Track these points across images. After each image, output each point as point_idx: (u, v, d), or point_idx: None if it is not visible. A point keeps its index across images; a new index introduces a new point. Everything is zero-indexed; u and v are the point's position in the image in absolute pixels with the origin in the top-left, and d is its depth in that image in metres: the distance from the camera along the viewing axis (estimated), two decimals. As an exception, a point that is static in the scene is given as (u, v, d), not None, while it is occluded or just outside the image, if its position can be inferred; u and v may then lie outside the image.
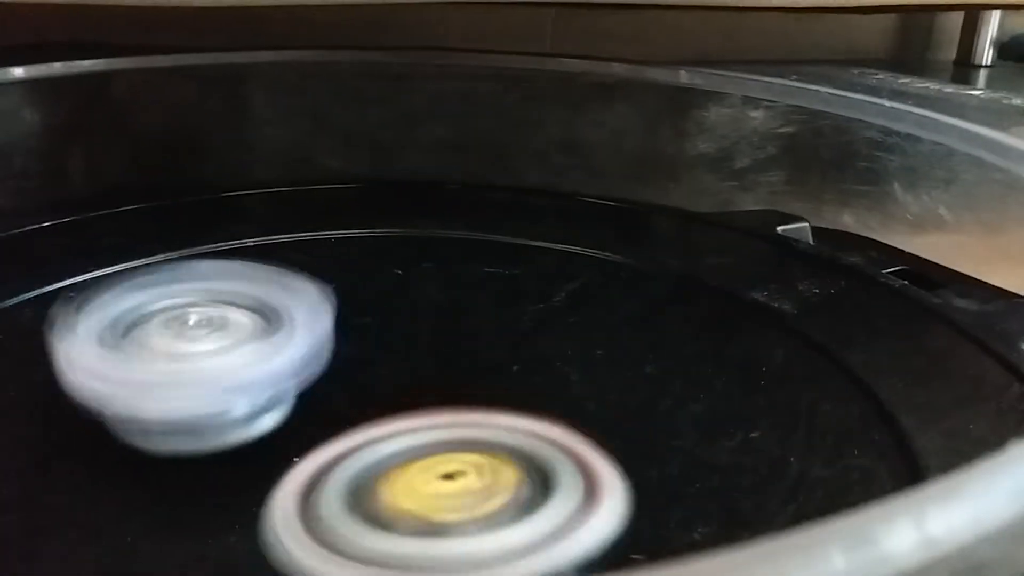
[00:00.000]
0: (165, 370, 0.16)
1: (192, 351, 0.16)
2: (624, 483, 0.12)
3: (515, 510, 0.11)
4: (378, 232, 0.28)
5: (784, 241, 0.29)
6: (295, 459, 0.14)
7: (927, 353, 0.22)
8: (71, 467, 0.17)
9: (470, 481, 0.12)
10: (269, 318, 0.17)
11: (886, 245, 0.29)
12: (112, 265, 0.24)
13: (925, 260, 0.27)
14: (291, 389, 0.16)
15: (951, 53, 0.55)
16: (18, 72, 0.31)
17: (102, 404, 0.15)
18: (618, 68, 0.34)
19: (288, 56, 0.35)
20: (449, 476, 0.12)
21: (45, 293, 0.23)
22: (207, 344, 0.16)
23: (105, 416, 0.16)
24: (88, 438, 0.16)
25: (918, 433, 0.18)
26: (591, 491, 0.12)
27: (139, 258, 0.25)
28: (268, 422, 0.16)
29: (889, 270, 0.26)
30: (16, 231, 0.26)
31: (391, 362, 0.21)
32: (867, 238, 0.30)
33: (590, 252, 0.27)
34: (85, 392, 0.15)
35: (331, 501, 0.11)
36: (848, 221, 0.33)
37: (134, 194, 0.29)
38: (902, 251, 0.28)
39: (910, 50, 0.55)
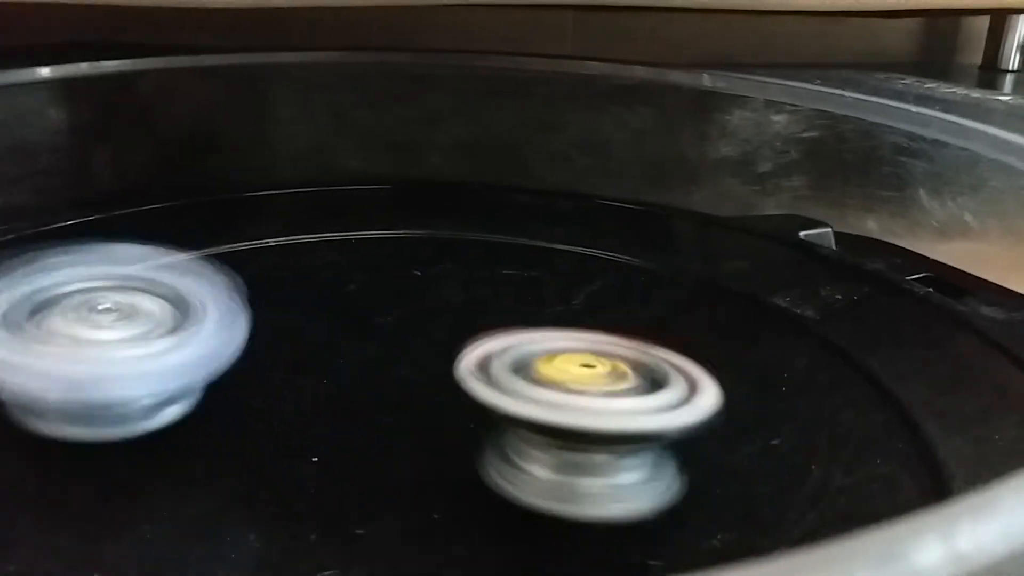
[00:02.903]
0: (67, 354, 0.15)
1: (97, 338, 0.16)
2: (718, 389, 0.15)
3: (636, 392, 0.15)
4: (398, 233, 0.28)
5: (807, 246, 0.29)
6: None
7: (952, 361, 0.22)
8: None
9: (603, 370, 0.15)
10: (181, 309, 0.17)
11: (911, 251, 0.28)
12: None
13: (950, 267, 0.27)
14: (197, 383, 0.16)
15: (977, 57, 0.54)
16: (44, 72, 0.31)
17: (4, 390, 0.15)
18: (640, 71, 0.34)
19: (310, 57, 0.35)
20: (588, 366, 0.15)
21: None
22: (114, 332, 0.16)
23: (1, 396, 0.15)
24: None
25: (942, 442, 0.18)
26: (693, 390, 0.15)
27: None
28: (170, 415, 0.16)
29: (913, 277, 0.26)
30: (40, 229, 0.27)
31: (407, 363, 0.21)
32: (891, 244, 0.30)
33: (610, 255, 0.27)
34: None
35: (502, 368, 0.15)
36: (872, 227, 0.33)
37: (157, 193, 0.29)
38: (927, 258, 0.28)
39: (935, 54, 0.55)
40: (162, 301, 0.17)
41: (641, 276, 0.27)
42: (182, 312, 0.17)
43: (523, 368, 0.15)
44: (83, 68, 0.32)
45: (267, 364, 0.19)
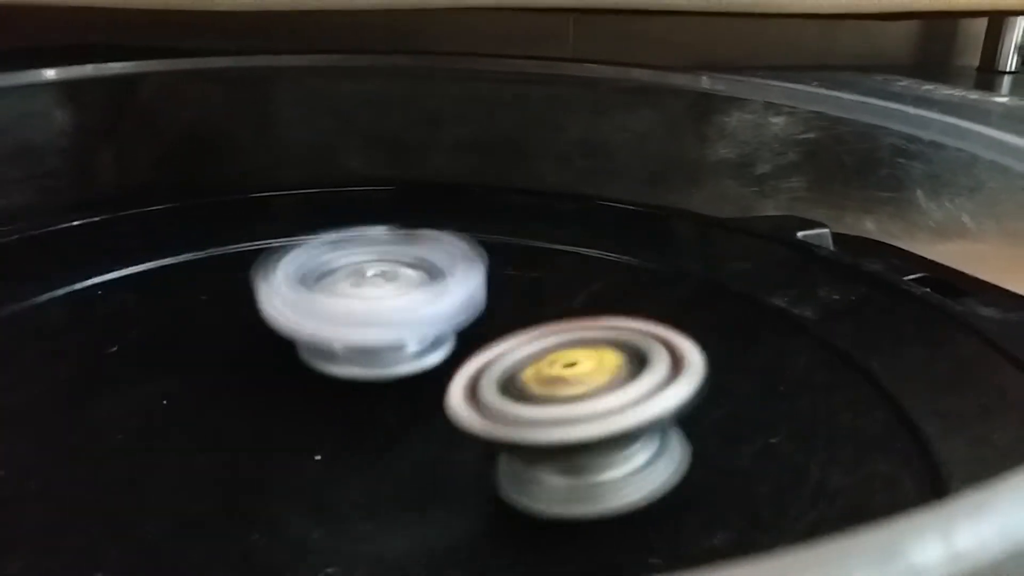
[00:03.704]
0: (350, 306, 0.18)
1: (371, 295, 0.19)
2: (702, 356, 0.15)
3: (621, 382, 0.15)
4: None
5: (805, 247, 0.29)
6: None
7: (950, 361, 0.22)
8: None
9: (586, 365, 0.15)
10: (431, 272, 0.20)
11: (908, 252, 0.28)
12: (140, 264, 0.25)
13: (948, 268, 0.27)
14: (452, 329, 0.19)
15: (975, 59, 0.54)
16: (50, 74, 0.31)
17: (295, 332, 0.18)
18: (640, 73, 0.34)
19: (313, 60, 0.35)
20: (570, 364, 0.15)
21: (74, 291, 0.23)
22: (383, 290, 0.19)
23: (296, 342, 0.18)
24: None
25: (941, 441, 0.18)
26: (676, 362, 0.15)
27: (166, 257, 0.25)
28: (434, 359, 0.19)
29: (911, 277, 0.26)
30: (46, 229, 0.27)
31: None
32: (889, 245, 0.30)
33: (610, 256, 0.27)
34: (281, 321, 0.18)
35: (490, 388, 0.15)
36: (870, 228, 0.33)
37: (162, 194, 0.29)
38: (925, 258, 0.28)
39: (933, 56, 0.55)
40: (415, 268, 0.20)
41: (641, 276, 0.27)
42: (432, 275, 0.20)
43: (511, 384, 0.15)
44: (88, 70, 0.32)
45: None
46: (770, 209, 0.35)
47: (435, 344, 0.19)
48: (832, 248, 0.29)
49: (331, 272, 0.20)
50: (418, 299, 0.19)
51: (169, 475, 0.17)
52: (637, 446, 0.15)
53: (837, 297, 0.24)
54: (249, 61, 0.34)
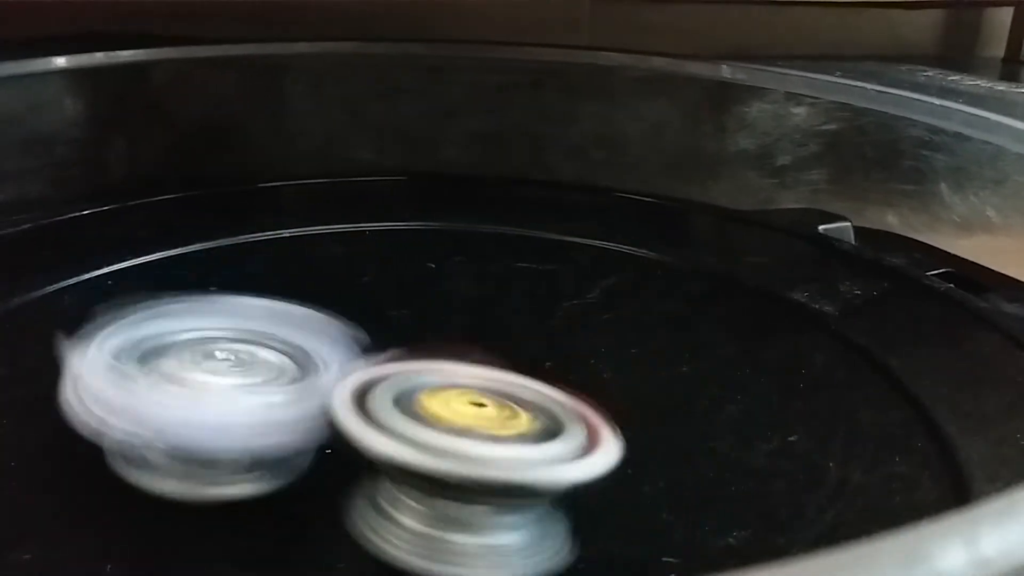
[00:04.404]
0: (179, 401, 0.14)
1: (215, 383, 0.15)
2: (619, 443, 0.14)
3: (526, 440, 0.13)
4: (412, 225, 0.28)
5: (825, 241, 0.28)
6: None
7: (973, 358, 0.22)
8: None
9: (492, 411, 0.14)
10: (299, 361, 0.16)
11: (931, 247, 0.28)
12: (150, 253, 0.25)
13: (972, 263, 0.26)
14: (316, 442, 0.14)
15: (1000, 49, 0.53)
16: (60, 61, 0.31)
17: (103, 430, 0.14)
18: (658, 62, 0.34)
19: (325, 48, 0.35)
20: (477, 404, 0.14)
21: (85, 280, 0.23)
22: (231, 379, 0.15)
23: (105, 444, 0.14)
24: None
25: (963, 441, 0.18)
26: (592, 442, 0.14)
27: (177, 247, 0.25)
28: (279, 480, 0.15)
29: (934, 272, 0.26)
30: (57, 219, 0.27)
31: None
32: (912, 239, 0.30)
33: (626, 249, 0.27)
34: (86, 416, 0.14)
35: (382, 400, 0.14)
36: (892, 221, 0.33)
37: (172, 184, 0.30)
38: (948, 253, 0.27)
39: (957, 46, 0.54)
40: (278, 353, 0.16)
41: (658, 270, 0.26)
42: (300, 365, 0.15)
43: (405, 401, 0.14)
44: (99, 58, 0.32)
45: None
46: (790, 202, 0.34)
47: (285, 459, 0.15)
48: (853, 242, 0.29)
49: (169, 347, 0.15)
50: (270, 399, 0.14)
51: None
52: (516, 518, 0.13)
53: (858, 292, 0.24)
54: (261, 49, 0.34)
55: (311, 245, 0.27)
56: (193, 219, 0.28)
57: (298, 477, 0.15)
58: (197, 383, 0.15)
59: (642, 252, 0.27)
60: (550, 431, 0.14)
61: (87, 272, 0.23)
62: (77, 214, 0.27)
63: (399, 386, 0.14)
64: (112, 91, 0.33)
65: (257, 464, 0.15)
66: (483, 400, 0.14)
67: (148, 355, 0.15)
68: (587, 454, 0.13)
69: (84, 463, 0.15)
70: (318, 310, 0.16)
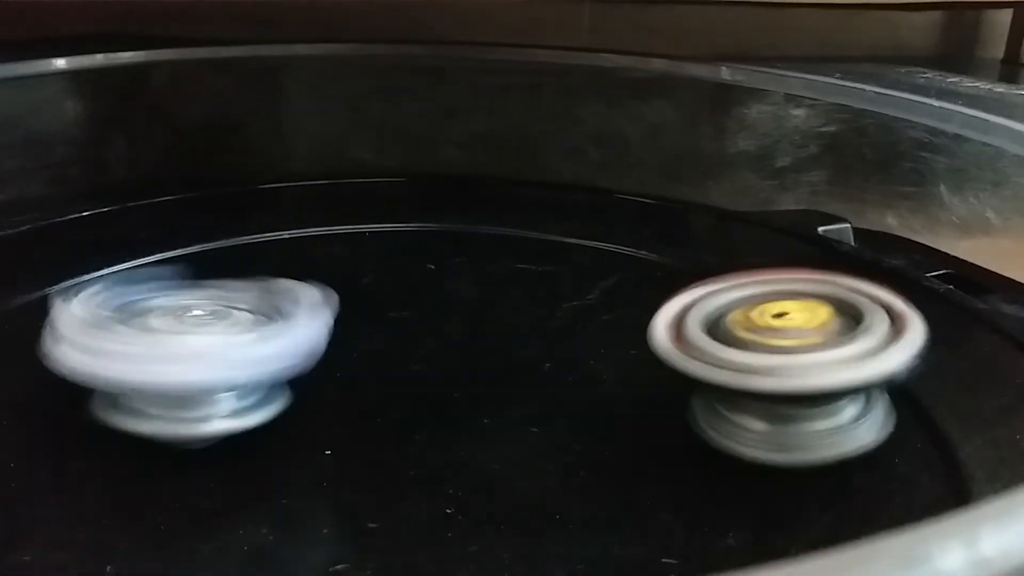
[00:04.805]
0: (159, 343, 0.15)
1: (191, 331, 0.16)
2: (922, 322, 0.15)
3: (837, 336, 0.15)
4: (412, 226, 0.28)
5: (825, 242, 0.28)
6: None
7: (972, 359, 0.22)
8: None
9: (798, 319, 0.15)
10: (269, 315, 0.17)
11: (931, 248, 0.28)
12: (150, 254, 0.25)
13: (971, 264, 0.26)
14: (283, 378, 0.16)
15: (999, 51, 0.54)
16: (60, 63, 0.31)
17: (89, 376, 0.15)
18: (657, 64, 0.34)
19: (325, 49, 0.35)
20: (781, 314, 0.16)
21: (85, 281, 0.23)
22: (207, 329, 0.16)
23: (91, 390, 0.15)
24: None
25: (962, 442, 0.18)
26: (896, 324, 0.15)
27: (176, 248, 0.25)
28: (258, 417, 0.16)
29: (934, 274, 0.25)
30: (57, 219, 0.27)
31: (421, 358, 0.21)
32: (911, 240, 0.30)
33: (626, 250, 0.27)
34: (71, 363, 0.15)
35: (695, 327, 0.16)
36: (892, 223, 0.33)
37: (172, 185, 0.30)
38: (947, 254, 0.27)
39: (957, 48, 0.54)
40: (251, 312, 0.17)
41: (657, 271, 0.26)
42: (270, 318, 0.17)
43: (717, 326, 0.16)
44: (98, 59, 0.32)
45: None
46: (790, 203, 0.35)
47: (260, 396, 0.16)
48: (853, 243, 0.29)
49: (149, 309, 0.17)
50: (241, 339, 0.15)
51: (179, 469, 0.17)
52: (844, 402, 0.15)
53: (857, 293, 0.24)
54: (260, 51, 0.34)
55: (311, 246, 0.27)
56: (193, 220, 0.28)
57: (272, 416, 0.16)
58: (175, 331, 0.15)
59: (642, 253, 0.27)
60: (852, 319, 0.15)
61: (87, 273, 0.23)
62: (77, 215, 0.27)
63: (707, 312, 0.16)
64: (112, 92, 0.33)
65: (235, 402, 0.15)
66: (786, 308, 0.16)
67: (128, 313, 0.16)
68: (897, 338, 0.15)
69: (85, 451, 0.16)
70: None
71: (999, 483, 0.16)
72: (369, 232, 0.28)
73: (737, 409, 0.15)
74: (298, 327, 0.16)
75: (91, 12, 0.36)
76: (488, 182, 0.33)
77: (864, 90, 0.30)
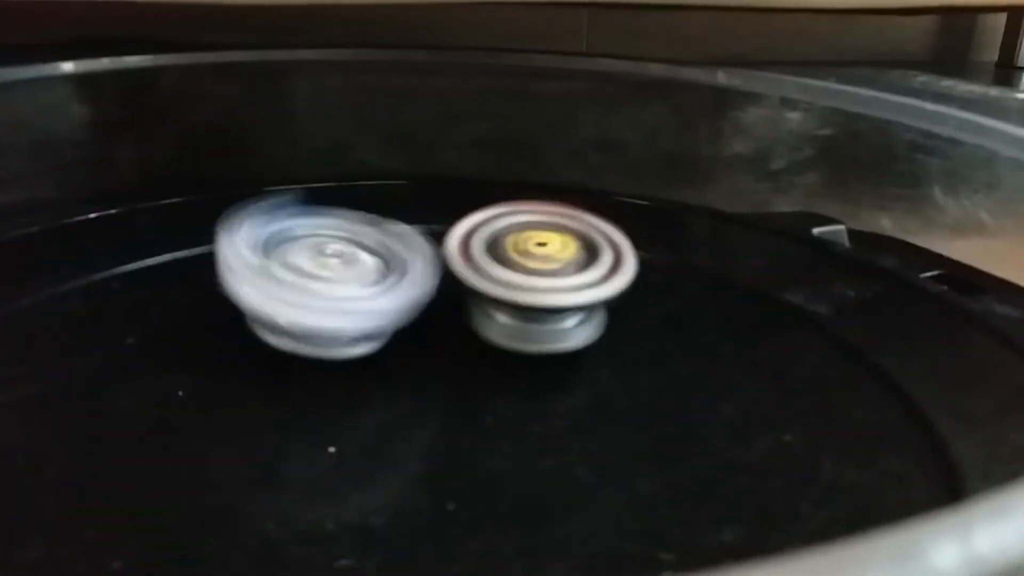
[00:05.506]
0: (303, 286, 0.19)
1: (325, 275, 0.19)
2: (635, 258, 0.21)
3: (574, 268, 0.20)
4: (414, 228, 0.28)
5: (820, 243, 0.28)
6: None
7: (966, 359, 0.22)
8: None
9: (551, 249, 0.21)
10: (389, 263, 0.20)
11: (925, 249, 0.28)
12: (157, 256, 0.25)
13: (965, 265, 0.27)
14: (392, 325, 0.19)
15: (993, 55, 0.54)
16: (67, 67, 0.31)
17: (250, 307, 0.18)
18: (654, 68, 0.34)
19: (329, 54, 0.35)
20: (541, 244, 0.21)
21: (91, 282, 0.23)
22: (337, 272, 0.19)
23: (248, 315, 0.19)
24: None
25: (956, 440, 0.18)
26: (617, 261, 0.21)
27: (183, 249, 0.25)
28: (366, 348, 0.20)
29: (928, 274, 0.26)
30: (64, 222, 0.27)
31: (424, 359, 0.21)
32: (905, 242, 0.30)
33: (624, 251, 0.27)
34: (237, 293, 0.18)
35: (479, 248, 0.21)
36: (886, 224, 0.33)
37: (178, 187, 0.30)
38: (941, 255, 0.28)
39: (951, 51, 0.54)
40: (374, 255, 0.21)
41: (654, 272, 0.26)
42: (389, 266, 0.20)
43: (495, 248, 0.21)
44: (105, 63, 0.32)
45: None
46: (785, 205, 0.35)
47: (371, 334, 0.20)
48: (848, 244, 0.29)
49: (292, 240, 0.20)
50: (366, 290, 0.19)
51: (185, 466, 0.17)
52: (568, 314, 0.21)
53: (852, 294, 0.24)
54: (265, 55, 0.34)
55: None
56: (200, 222, 0.28)
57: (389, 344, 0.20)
58: (315, 275, 0.19)
59: (639, 254, 0.27)
60: (591, 253, 0.21)
61: (95, 274, 0.24)
62: (85, 217, 0.27)
63: (489, 233, 0.21)
64: (120, 96, 0.33)
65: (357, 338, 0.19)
66: (546, 239, 0.21)
67: (277, 243, 0.20)
68: (614, 273, 0.20)
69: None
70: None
71: (992, 481, 0.17)
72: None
73: (494, 309, 0.20)
74: (416, 283, 0.19)
75: (97, 17, 0.36)
76: (489, 184, 0.33)
77: (859, 94, 0.30)
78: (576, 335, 0.21)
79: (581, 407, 0.20)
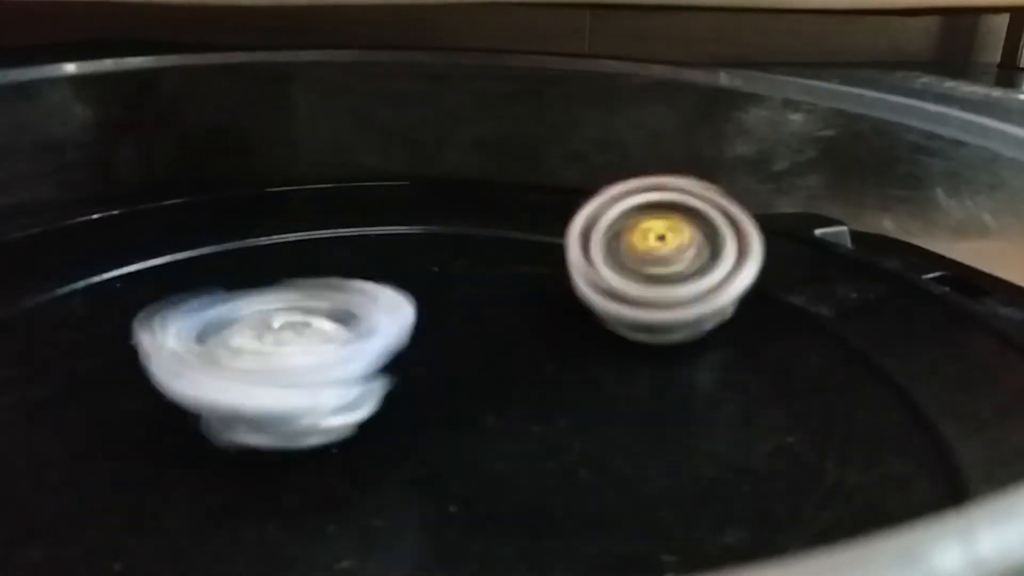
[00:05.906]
0: (253, 366, 0.16)
1: (278, 351, 0.16)
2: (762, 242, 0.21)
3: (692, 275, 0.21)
4: (416, 229, 0.29)
5: (822, 244, 0.28)
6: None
7: (969, 361, 0.22)
8: (122, 459, 0.17)
9: (670, 246, 0.21)
10: (349, 324, 0.17)
11: (927, 251, 0.28)
12: (158, 257, 0.25)
13: (968, 267, 0.27)
14: (376, 388, 0.17)
15: (995, 56, 0.54)
16: (70, 68, 0.31)
17: (193, 400, 0.16)
18: (657, 69, 0.34)
19: (331, 56, 0.35)
20: (659, 238, 0.21)
21: (93, 283, 0.24)
22: (292, 346, 0.17)
23: (198, 412, 0.16)
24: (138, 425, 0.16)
25: (958, 442, 0.18)
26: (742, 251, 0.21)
27: (184, 251, 0.25)
28: (351, 420, 0.17)
29: (930, 276, 0.26)
30: (67, 223, 0.27)
31: (425, 363, 0.21)
32: (908, 243, 0.30)
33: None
34: (175, 389, 0.16)
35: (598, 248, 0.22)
36: (888, 226, 0.33)
37: (180, 188, 0.30)
38: (944, 257, 0.27)
39: (953, 52, 0.54)
40: (331, 320, 0.18)
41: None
42: (350, 326, 0.17)
43: (614, 242, 0.21)
44: (107, 65, 0.32)
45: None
46: (787, 207, 0.35)
47: (354, 403, 0.17)
48: (850, 246, 0.29)
49: (231, 323, 0.17)
50: (330, 357, 0.16)
51: (187, 468, 0.17)
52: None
53: (855, 296, 0.24)
54: (268, 56, 0.34)
55: (317, 248, 0.27)
56: (202, 223, 0.28)
57: (359, 429, 0.17)
58: (260, 352, 0.16)
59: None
60: (714, 252, 0.21)
61: (97, 275, 0.24)
62: (87, 218, 0.27)
63: (602, 237, 0.22)
64: (121, 97, 0.33)
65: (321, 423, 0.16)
66: (666, 230, 0.21)
67: (220, 329, 0.17)
68: (734, 274, 0.21)
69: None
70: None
71: (996, 483, 0.17)
72: (374, 235, 0.28)
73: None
74: (381, 335, 0.17)
75: (100, 19, 0.36)
76: (491, 186, 0.33)
77: (862, 95, 0.30)
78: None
79: (582, 408, 0.20)
